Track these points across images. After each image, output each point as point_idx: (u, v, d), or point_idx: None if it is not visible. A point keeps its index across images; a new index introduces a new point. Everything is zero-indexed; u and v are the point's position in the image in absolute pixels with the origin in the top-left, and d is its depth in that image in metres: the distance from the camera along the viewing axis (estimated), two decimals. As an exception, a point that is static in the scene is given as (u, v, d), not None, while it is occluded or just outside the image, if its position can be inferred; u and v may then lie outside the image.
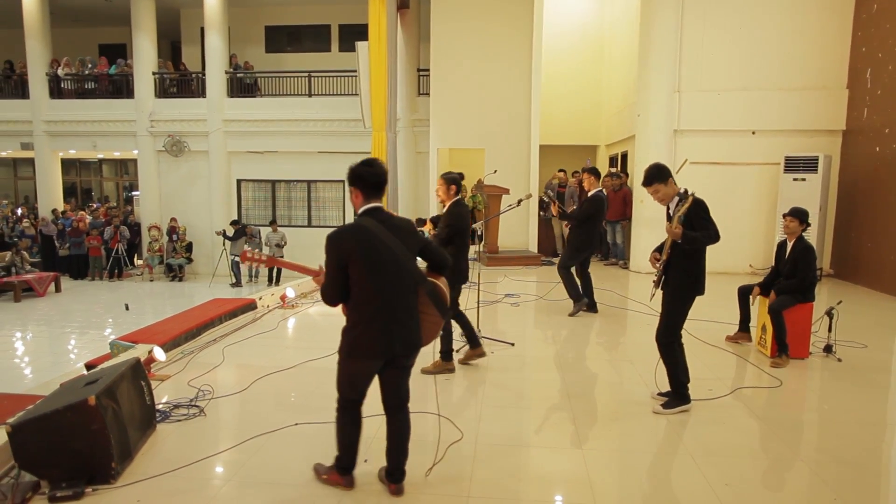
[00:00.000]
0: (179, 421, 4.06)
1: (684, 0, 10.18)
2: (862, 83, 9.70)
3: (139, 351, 4.75)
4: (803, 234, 5.58)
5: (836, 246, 10.23)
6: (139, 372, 3.85)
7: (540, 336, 6.67)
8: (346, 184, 3.05)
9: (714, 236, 4.17)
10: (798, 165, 9.83)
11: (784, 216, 5.68)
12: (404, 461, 3.20)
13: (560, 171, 12.70)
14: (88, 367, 4.87)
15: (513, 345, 5.91)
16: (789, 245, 5.62)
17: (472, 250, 11.29)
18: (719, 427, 4.17)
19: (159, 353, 4.84)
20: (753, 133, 10.34)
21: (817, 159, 9.67)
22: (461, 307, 5.26)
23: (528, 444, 3.96)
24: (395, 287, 2.95)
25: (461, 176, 5.19)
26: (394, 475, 3.18)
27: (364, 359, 2.99)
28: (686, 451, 3.83)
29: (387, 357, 3.00)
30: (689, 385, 4.39)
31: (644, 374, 5.20)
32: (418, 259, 3.16)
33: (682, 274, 4.26)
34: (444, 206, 5.15)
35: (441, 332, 4.93)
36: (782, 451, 3.89)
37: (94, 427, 3.17)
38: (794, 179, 9.84)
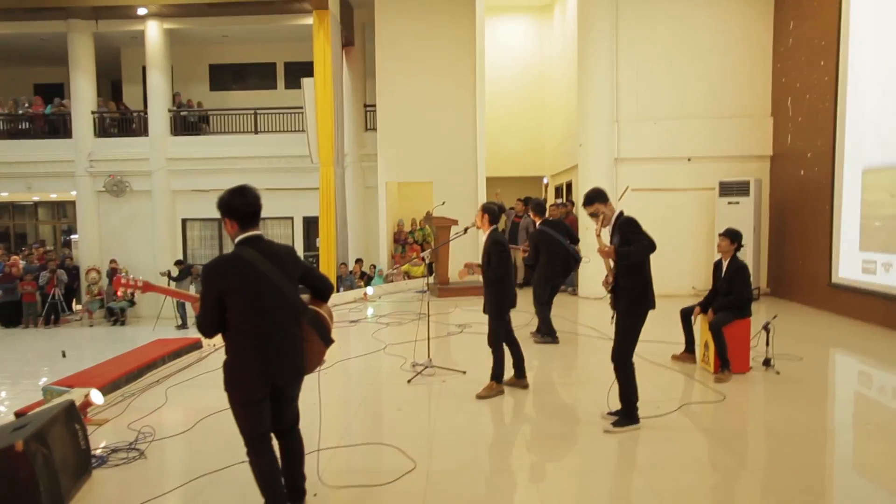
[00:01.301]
0: (117, 466, 3.86)
1: (618, 35, 10.68)
2: (784, 111, 10.31)
3: (75, 395, 4.53)
4: (737, 253, 5.82)
5: (772, 265, 10.69)
6: (73, 415, 3.67)
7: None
8: (220, 214, 2.93)
9: (648, 247, 4.23)
10: (731, 189, 10.30)
11: (719, 236, 5.93)
12: (302, 482, 3.16)
13: (518, 199, 12.87)
14: (18, 415, 4.60)
15: (464, 373, 5.90)
16: (724, 264, 5.85)
17: (423, 282, 11.32)
18: (669, 443, 4.24)
19: (96, 397, 4.63)
20: (689, 160, 10.81)
21: (748, 183, 10.17)
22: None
23: (483, 471, 3.94)
24: (275, 317, 2.90)
25: (500, 208, 5.42)
26: (295, 497, 3.13)
27: (248, 391, 2.88)
28: (638, 468, 3.88)
29: (268, 387, 2.92)
30: (637, 404, 4.45)
31: (595, 396, 5.27)
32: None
33: (626, 292, 4.35)
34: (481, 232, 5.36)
35: (493, 357, 5.19)
36: (729, 462, 3.99)
37: (22, 475, 2.99)
38: (729, 203, 10.29)
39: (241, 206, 2.91)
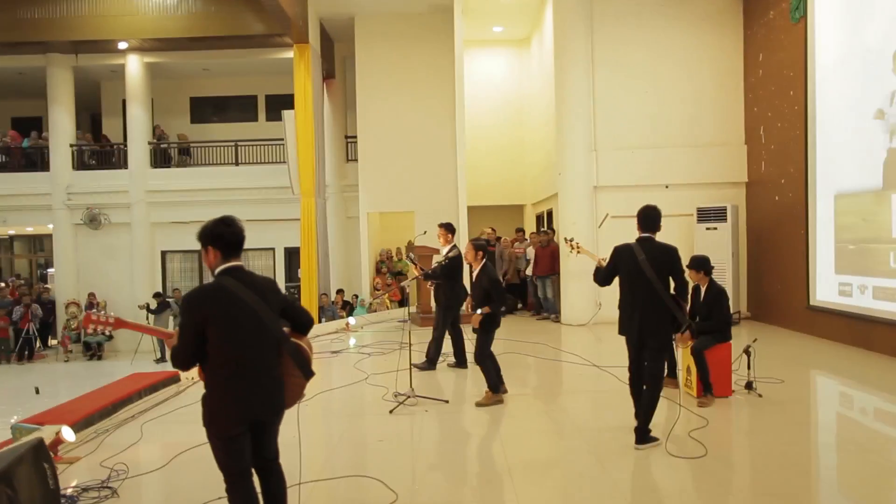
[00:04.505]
0: (88, 505, 3.74)
1: (594, 65, 10.90)
2: (757, 139, 10.55)
3: (45, 433, 4.39)
4: (712, 278, 5.87)
5: (751, 289, 10.81)
6: (42, 453, 3.54)
7: (474, 392, 6.60)
8: (200, 244, 2.90)
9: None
10: (709, 216, 10.45)
11: (686, 268, 5.96)
12: None
13: (490, 228, 12.99)
14: (-14, 455, 4.44)
15: (447, 402, 5.84)
16: (702, 290, 5.89)
17: (405, 311, 11.26)
18: (653, 468, 4.22)
19: (68, 434, 4.49)
20: (667, 187, 10.96)
21: (725, 209, 10.33)
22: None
23: (467, 501, 3.87)
24: (256, 349, 2.84)
25: (488, 243, 5.71)
26: None
27: (228, 425, 2.81)
28: (621, 494, 3.83)
29: (248, 423, 2.85)
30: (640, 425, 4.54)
31: (578, 421, 5.25)
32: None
33: None
34: (471, 268, 6.07)
35: (482, 368, 5.67)
36: (714, 486, 3.96)
37: (-13, 517, 2.87)
38: (707, 229, 10.43)
39: (225, 234, 2.88)
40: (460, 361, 7.25)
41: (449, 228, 7.41)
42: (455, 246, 7.29)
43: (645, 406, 4.53)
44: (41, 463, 3.48)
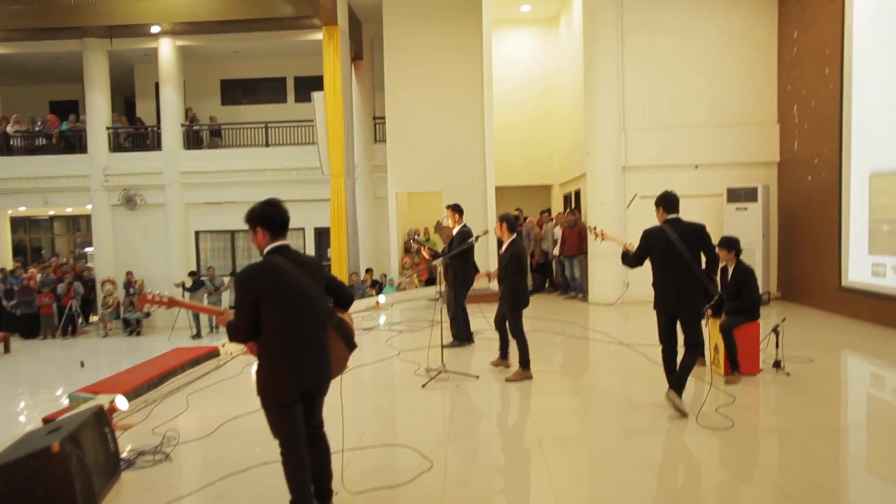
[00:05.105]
0: (145, 468, 3.99)
1: (624, 45, 10.81)
2: (790, 118, 10.39)
3: (100, 401, 4.67)
4: (740, 258, 5.90)
5: (782, 270, 10.73)
6: (103, 419, 3.80)
7: (504, 369, 6.76)
8: (249, 225, 3.07)
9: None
10: (739, 196, 10.37)
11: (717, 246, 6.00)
12: (329, 482, 3.27)
13: (517, 209, 13.07)
14: (46, 421, 4.74)
15: (478, 377, 6.00)
16: (730, 270, 5.93)
17: (435, 290, 11.43)
18: (681, 443, 4.33)
19: (122, 403, 4.77)
20: (697, 167, 10.88)
21: (756, 189, 10.24)
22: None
23: (499, 470, 4.04)
24: (307, 322, 3.03)
25: (517, 218, 5.84)
26: (322, 496, 3.25)
27: (284, 393, 2.99)
28: (651, 467, 3.96)
29: (302, 391, 3.04)
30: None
31: (606, 397, 5.37)
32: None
33: None
34: (500, 242, 6.21)
35: (518, 344, 5.87)
36: (742, 462, 4.06)
37: (58, 475, 3.12)
38: (737, 209, 10.37)
39: (273, 215, 3.06)
40: (468, 337, 7.52)
41: (457, 209, 7.55)
42: (465, 225, 7.44)
43: (683, 366, 4.73)
44: (102, 428, 3.74)
